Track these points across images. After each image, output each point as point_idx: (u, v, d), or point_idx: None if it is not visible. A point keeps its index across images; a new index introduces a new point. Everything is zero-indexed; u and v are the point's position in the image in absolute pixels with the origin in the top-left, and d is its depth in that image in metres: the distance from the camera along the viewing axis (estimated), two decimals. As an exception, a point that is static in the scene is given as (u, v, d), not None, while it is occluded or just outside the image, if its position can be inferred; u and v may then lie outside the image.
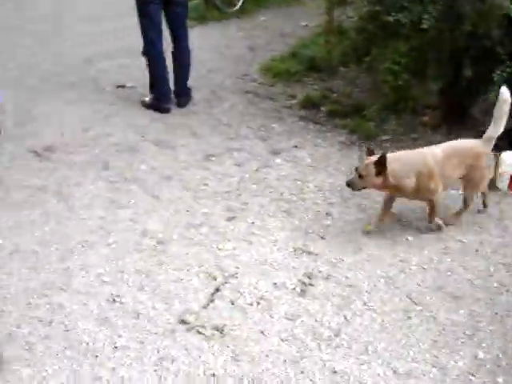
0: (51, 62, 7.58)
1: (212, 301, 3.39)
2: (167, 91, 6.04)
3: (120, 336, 3.13)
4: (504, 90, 3.90)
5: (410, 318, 3.25)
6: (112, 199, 4.40)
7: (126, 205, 4.35)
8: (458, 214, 4.18)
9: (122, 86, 6.74)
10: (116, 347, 3.06)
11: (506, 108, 3.91)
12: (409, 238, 3.95)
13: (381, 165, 3.75)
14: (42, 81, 6.85)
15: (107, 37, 8.44)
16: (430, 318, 3.25)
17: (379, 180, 3.79)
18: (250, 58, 7.70)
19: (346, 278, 3.57)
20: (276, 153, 5.15)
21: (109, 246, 3.85)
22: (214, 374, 2.88)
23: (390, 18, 4.66)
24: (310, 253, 3.79)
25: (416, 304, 3.35)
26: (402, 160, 3.90)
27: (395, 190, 3.93)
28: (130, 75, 6.93)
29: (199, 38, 7.59)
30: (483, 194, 4.28)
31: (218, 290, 3.48)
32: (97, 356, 3.00)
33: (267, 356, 3.00)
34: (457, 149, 4.08)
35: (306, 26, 8.73)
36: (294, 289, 3.47)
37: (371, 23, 5.17)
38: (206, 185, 4.63)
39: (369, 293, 3.44)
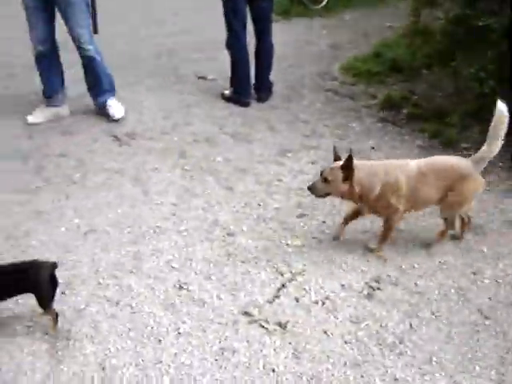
0: (137, 49, 7.76)
1: (277, 296, 3.38)
2: (248, 85, 6.06)
3: (184, 322, 3.17)
4: (501, 104, 3.56)
5: (478, 331, 3.14)
6: (186, 187, 4.46)
7: (199, 194, 4.39)
8: (443, 233, 3.89)
9: (204, 78, 6.80)
10: (179, 333, 3.10)
11: (504, 126, 3.55)
12: (484, 249, 3.81)
13: (348, 169, 3.54)
14: (127, 67, 7.00)
15: (195, 29, 8.54)
16: (500, 334, 3.12)
17: (345, 186, 3.57)
18: (331, 56, 7.63)
19: (416, 284, 3.48)
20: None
21: (180, 234, 3.91)
22: (273, 370, 2.88)
23: (480, 23, 4.51)
24: (380, 256, 3.72)
25: (486, 318, 3.23)
26: (371, 169, 3.65)
27: (359, 200, 3.70)
28: (212, 67, 6.98)
29: (281, 32, 7.55)
30: (463, 220, 3.88)
31: (283, 285, 3.47)
32: (160, 340, 3.05)
33: (328, 356, 2.96)
34: (437, 166, 3.73)
35: (391, 26, 8.56)
36: (361, 292, 3.42)
37: (459, 27, 5.02)
38: (279, 180, 4.61)
39: (438, 302, 3.35)
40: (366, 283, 3.48)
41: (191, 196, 4.37)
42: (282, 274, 3.56)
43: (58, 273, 3.14)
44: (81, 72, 5.56)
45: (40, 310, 3.05)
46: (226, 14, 5.79)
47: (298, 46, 8.02)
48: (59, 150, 5.06)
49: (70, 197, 4.32)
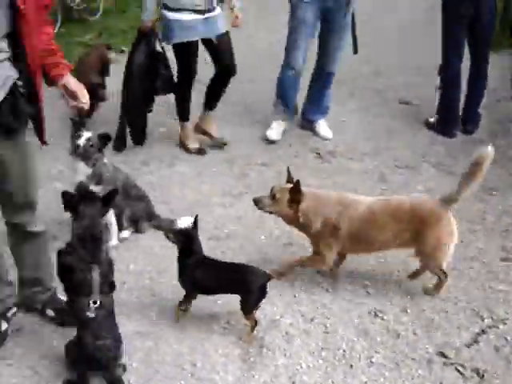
0: (341, 69, 7.80)
1: (476, 341, 3.21)
2: (456, 115, 5.83)
3: (377, 352, 3.11)
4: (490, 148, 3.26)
5: None
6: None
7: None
8: (437, 286, 3.53)
9: (407, 103, 6.68)
10: (372, 362, 3.05)
11: (485, 167, 3.25)
12: None
13: (295, 193, 3.36)
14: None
15: (403, 52, 8.44)
16: None
17: (289, 211, 3.40)
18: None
19: None
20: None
21: (377, 260, 3.85)
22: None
23: None
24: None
25: None
26: (319, 200, 3.44)
27: (301, 230, 3.52)
28: (416, 92, 6.83)
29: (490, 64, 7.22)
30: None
31: (483, 331, 3.29)
32: (351, 365, 3.03)
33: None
34: (394, 207, 3.43)
35: None
36: None
37: None
38: (483, 219, 4.39)
39: None
40: None
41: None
42: (482, 319, 3.38)
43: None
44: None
45: (242, 315, 3.16)
46: (444, 39, 5.63)
47: (507, 80, 7.59)
48: (262, 159, 5.23)
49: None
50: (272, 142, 5.50)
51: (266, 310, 3.35)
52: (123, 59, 8.60)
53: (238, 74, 5.28)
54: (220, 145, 5.42)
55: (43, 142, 2.97)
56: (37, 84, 2.76)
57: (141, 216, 4.03)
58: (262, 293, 3.12)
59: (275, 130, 5.55)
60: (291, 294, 3.51)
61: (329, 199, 3.49)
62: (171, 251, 3.32)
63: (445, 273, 3.46)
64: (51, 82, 2.95)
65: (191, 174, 4.97)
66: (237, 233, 4.13)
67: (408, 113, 6.42)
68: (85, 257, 2.71)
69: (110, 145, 4.31)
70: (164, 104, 5.73)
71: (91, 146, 3.75)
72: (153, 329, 3.22)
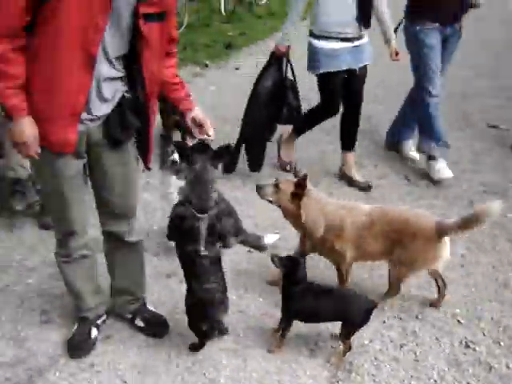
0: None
1: None
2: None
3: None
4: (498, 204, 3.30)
5: None
6: (475, 239, 4.24)
7: (488, 249, 4.16)
8: (386, 295, 3.53)
9: (495, 127, 6.50)
10: (465, 394, 2.94)
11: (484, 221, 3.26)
12: None
13: (299, 188, 3.29)
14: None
15: (491, 74, 8.24)
16: None
17: (291, 205, 3.34)
18: None
19: None
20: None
21: (467, 287, 3.73)
22: None
23: None
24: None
25: None
26: (322, 204, 3.38)
27: (302, 231, 3.48)
28: (505, 116, 6.65)
29: None
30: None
31: None
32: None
33: None
34: (388, 216, 3.40)
35: None
36: None
37: None
38: None
39: None
40: None
41: (479, 250, 4.16)
42: None
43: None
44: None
45: (334, 337, 3.16)
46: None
47: None
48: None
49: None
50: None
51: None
52: (207, 73, 8.85)
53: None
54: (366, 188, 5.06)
55: (147, 167, 3.02)
56: (149, 108, 2.80)
57: (228, 231, 4.03)
58: (366, 319, 3.06)
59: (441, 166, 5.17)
60: (380, 319, 3.43)
61: (332, 204, 3.47)
62: (257, 267, 3.31)
63: (399, 289, 3.51)
64: (180, 114, 3.09)
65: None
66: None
67: (497, 136, 6.24)
68: (195, 205, 2.79)
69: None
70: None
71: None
72: (239, 346, 3.21)
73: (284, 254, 3.24)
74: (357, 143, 5.22)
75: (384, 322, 3.42)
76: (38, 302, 3.60)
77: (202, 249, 2.82)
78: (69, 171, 2.73)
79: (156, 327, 3.24)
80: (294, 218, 3.44)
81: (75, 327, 3.24)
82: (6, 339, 3.29)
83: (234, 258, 3.98)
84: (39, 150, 2.58)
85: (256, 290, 3.61)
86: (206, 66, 9.16)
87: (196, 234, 2.81)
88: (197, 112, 2.95)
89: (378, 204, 3.88)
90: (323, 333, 3.28)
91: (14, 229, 4.49)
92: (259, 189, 3.46)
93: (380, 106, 6.86)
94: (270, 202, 3.47)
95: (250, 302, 3.57)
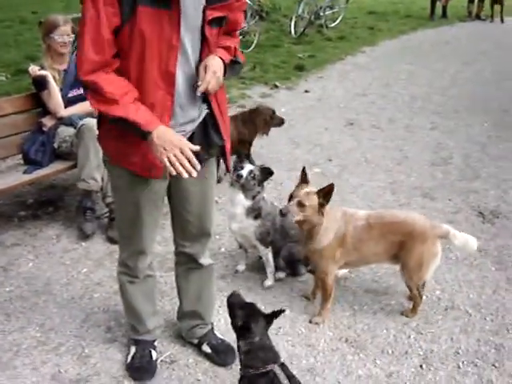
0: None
1: None
2: None
3: None
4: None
5: None
6: None
7: None
8: (413, 309, 3.61)
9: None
10: None
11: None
12: None
13: (325, 195, 3.27)
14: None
15: None
16: None
17: (319, 215, 3.30)
18: None
19: None
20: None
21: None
22: None
23: None
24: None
25: None
26: (330, 213, 3.39)
27: (310, 240, 3.44)
28: None
29: None
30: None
31: None
32: None
33: None
34: (385, 219, 3.48)
35: None
36: None
37: None
38: None
39: None
40: None
41: None
42: None
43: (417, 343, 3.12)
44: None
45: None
46: None
47: None
48: (418, 211, 5.01)
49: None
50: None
51: (426, 377, 3.14)
52: (276, 94, 8.82)
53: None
54: None
55: (228, 170, 3.01)
56: (225, 123, 2.76)
57: (298, 259, 3.94)
58: None
59: None
60: (455, 363, 3.25)
61: (337, 211, 3.48)
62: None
63: (421, 294, 3.57)
64: None
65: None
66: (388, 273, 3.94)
67: None
68: None
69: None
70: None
71: (253, 177, 3.71)
72: (308, 382, 3.08)
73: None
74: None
75: (459, 367, 3.23)
76: (103, 318, 3.57)
77: None
78: (152, 194, 2.71)
79: (223, 355, 3.15)
80: (312, 228, 3.40)
81: (133, 350, 3.18)
82: (71, 355, 3.27)
83: (303, 286, 3.88)
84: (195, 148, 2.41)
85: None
86: (276, 86, 9.13)
87: None
88: (211, 61, 2.50)
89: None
90: (394, 374, 3.13)
91: (81, 241, 4.50)
92: (284, 213, 3.32)
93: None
94: (300, 222, 3.38)
95: (319, 335, 3.44)
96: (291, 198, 3.35)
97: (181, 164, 2.32)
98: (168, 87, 2.45)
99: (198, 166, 2.35)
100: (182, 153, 2.33)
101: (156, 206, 2.78)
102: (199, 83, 2.46)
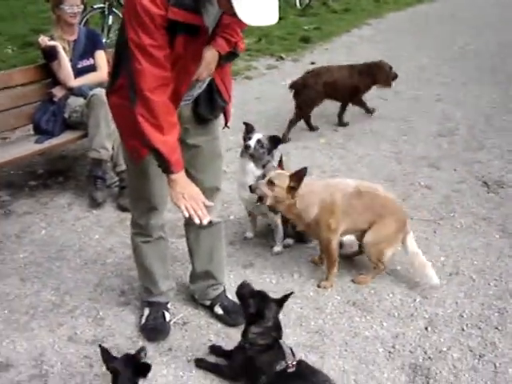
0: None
1: None
2: None
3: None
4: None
5: None
6: None
7: None
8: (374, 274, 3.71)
9: None
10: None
11: None
12: None
13: (297, 180, 3.35)
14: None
15: None
16: None
17: (288, 197, 3.39)
18: None
19: None
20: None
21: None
22: None
23: None
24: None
25: None
26: (309, 187, 3.47)
27: (295, 218, 3.54)
28: None
29: None
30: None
31: None
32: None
33: None
34: (371, 190, 3.61)
35: None
36: None
37: None
38: None
39: None
40: None
41: None
42: None
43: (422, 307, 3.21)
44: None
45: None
46: None
47: None
48: (425, 182, 5.10)
49: (437, 232, 4.29)
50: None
51: (431, 339, 3.23)
52: (282, 66, 8.83)
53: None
54: None
55: (226, 125, 3.07)
56: (226, 86, 2.87)
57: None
58: None
59: None
60: (459, 326, 3.34)
61: (319, 184, 3.62)
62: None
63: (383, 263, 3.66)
64: None
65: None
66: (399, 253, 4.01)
67: None
68: None
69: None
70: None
71: (261, 146, 3.78)
72: (316, 342, 3.18)
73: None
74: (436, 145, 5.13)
75: (463, 329, 3.32)
76: (116, 282, 3.67)
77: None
78: None
79: (234, 315, 3.23)
80: (287, 208, 3.50)
81: (147, 311, 3.28)
82: (86, 317, 3.37)
83: (313, 252, 3.96)
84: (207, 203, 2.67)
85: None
86: (282, 58, 9.13)
87: None
88: (207, 53, 2.60)
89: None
90: (400, 335, 3.22)
91: (92, 209, 4.58)
92: (253, 189, 3.47)
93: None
94: (261, 201, 3.50)
95: (328, 300, 3.54)
96: (264, 176, 3.52)
97: (195, 212, 2.61)
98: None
99: (209, 218, 2.66)
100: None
101: None
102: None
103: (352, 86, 6.18)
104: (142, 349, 2.65)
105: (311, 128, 6.34)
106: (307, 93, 6.00)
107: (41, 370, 2.98)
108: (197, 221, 2.61)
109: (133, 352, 2.65)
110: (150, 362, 2.67)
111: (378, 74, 6.23)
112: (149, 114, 2.45)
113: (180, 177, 2.60)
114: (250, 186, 3.50)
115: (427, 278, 3.62)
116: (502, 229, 4.37)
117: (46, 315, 3.39)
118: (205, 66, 2.62)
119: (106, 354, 2.58)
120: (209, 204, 2.66)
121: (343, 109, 6.46)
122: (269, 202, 3.47)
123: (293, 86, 6.11)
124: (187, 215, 2.61)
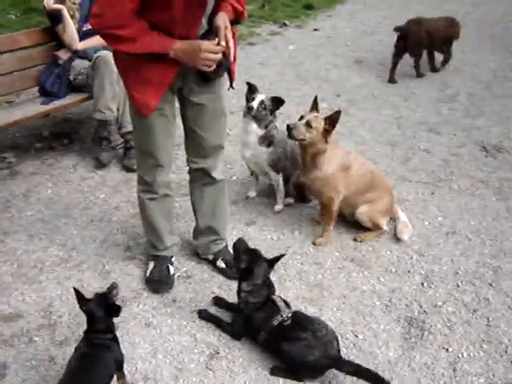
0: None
1: None
2: None
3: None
4: None
5: None
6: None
7: None
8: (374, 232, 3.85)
9: None
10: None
11: None
12: None
13: (331, 122, 3.44)
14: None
15: None
16: None
17: (322, 140, 3.48)
18: None
19: None
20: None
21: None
22: None
23: None
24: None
25: None
26: (336, 147, 3.64)
27: (311, 167, 3.61)
28: None
29: None
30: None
31: None
32: (512, 362, 2.94)
33: None
34: (381, 175, 3.90)
35: None
36: None
37: None
38: None
39: None
40: None
41: None
42: None
43: (419, 264, 3.32)
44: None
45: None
46: None
47: None
48: (424, 146, 5.17)
49: (436, 194, 4.38)
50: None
51: (426, 294, 3.33)
52: (285, 32, 8.84)
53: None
54: None
55: (231, 86, 3.08)
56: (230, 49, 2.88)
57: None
58: None
59: None
60: (454, 282, 3.45)
61: (344, 150, 3.75)
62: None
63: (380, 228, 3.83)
64: None
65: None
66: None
67: None
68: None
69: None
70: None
71: (264, 108, 3.84)
72: (315, 295, 3.29)
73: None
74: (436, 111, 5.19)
75: (458, 285, 3.43)
76: (121, 239, 3.77)
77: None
78: (160, 103, 2.84)
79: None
80: (315, 153, 3.56)
81: (152, 265, 3.39)
82: (92, 271, 3.47)
83: (312, 211, 4.05)
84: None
85: (334, 239, 3.71)
86: (285, 25, 9.13)
87: None
88: (218, 21, 2.70)
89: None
90: (397, 290, 3.33)
91: (98, 170, 4.67)
92: (292, 129, 3.49)
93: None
94: (301, 140, 3.53)
95: (327, 256, 3.64)
96: (301, 118, 3.52)
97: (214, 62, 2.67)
98: None
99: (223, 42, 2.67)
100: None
101: (166, 116, 2.93)
102: (222, 42, 2.68)
103: (444, 35, 7.11)
104: (114, 286, 2.60)
105: (418, 73, 7.10)
106: (414, 37, 6.75)
107: (49, 319, 3.09)
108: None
109: (104, 290, 2.61)
110: (120, 304, 2.65)
111: (455, 27, 7.15)
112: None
113: (178, 46, 2.62)
114: (288, 125, 3.51)
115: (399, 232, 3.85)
116: (498, 192, 4.45)
117: (54, 269, 3.49)
118: (229, 33, 2.69)
119: (79, 296, 2.52)
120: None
121: (432, 59, 7.33)
122: (304, 141, 3.51)
123: (399, 29, 6.75)
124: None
